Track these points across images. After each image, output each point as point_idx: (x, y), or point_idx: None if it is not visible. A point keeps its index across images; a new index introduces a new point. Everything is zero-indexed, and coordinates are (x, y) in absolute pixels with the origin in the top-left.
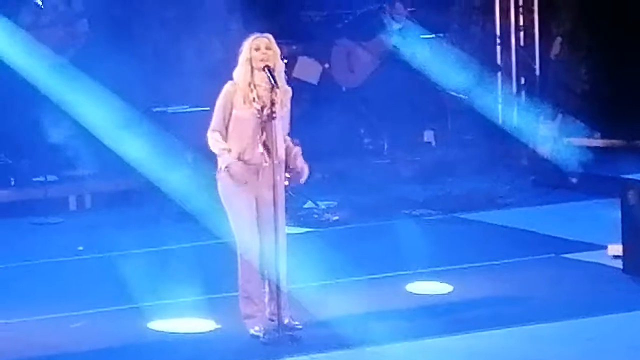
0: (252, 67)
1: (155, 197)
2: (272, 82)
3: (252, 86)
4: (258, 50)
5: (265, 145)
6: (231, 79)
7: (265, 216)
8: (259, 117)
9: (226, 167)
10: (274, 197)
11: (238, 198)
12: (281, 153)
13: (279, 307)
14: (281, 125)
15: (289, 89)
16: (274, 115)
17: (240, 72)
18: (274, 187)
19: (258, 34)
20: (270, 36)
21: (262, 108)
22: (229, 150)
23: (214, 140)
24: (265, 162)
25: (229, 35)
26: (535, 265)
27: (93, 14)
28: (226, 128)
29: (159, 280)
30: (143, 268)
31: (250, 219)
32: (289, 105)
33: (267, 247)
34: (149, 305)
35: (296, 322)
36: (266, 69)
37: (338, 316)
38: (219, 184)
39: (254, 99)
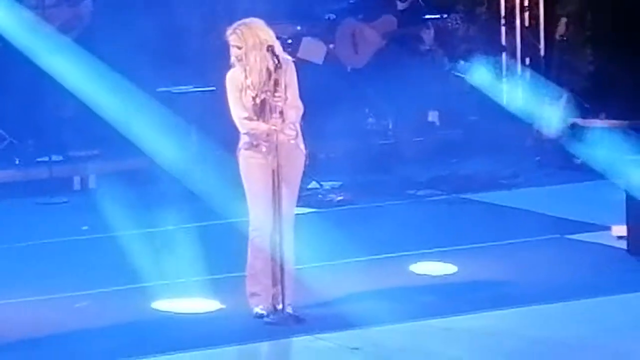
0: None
1: (160, 177)
2: (276, 61)
3: (247, 72)
4: (232, 48)
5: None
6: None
7: (282, 194)
8: (253, 104)
9: (252, 130)
10: (285, 175)
11: (256, 175)
12: (291, 130)
13: (283, 287)
14: (285, 97)
15: (288, 60)
16: (275, 96)
17: (234, 61)
18: (275, 166)
19: (233, 27)
20: (243, 28)
21: (256, 95)
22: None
23: (241, 122)
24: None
25: (234, 16)
26: (540, 245)
27: None
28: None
29: (163, 260)
30: (147, 248)
31: (264, 196)
32: (291, 75)
33: (280, 227)
34: (152, 285)
35: (289, 309)
36: (269, 49)
37: (342, 296)
38: (240, 160)
39: (248, 86)
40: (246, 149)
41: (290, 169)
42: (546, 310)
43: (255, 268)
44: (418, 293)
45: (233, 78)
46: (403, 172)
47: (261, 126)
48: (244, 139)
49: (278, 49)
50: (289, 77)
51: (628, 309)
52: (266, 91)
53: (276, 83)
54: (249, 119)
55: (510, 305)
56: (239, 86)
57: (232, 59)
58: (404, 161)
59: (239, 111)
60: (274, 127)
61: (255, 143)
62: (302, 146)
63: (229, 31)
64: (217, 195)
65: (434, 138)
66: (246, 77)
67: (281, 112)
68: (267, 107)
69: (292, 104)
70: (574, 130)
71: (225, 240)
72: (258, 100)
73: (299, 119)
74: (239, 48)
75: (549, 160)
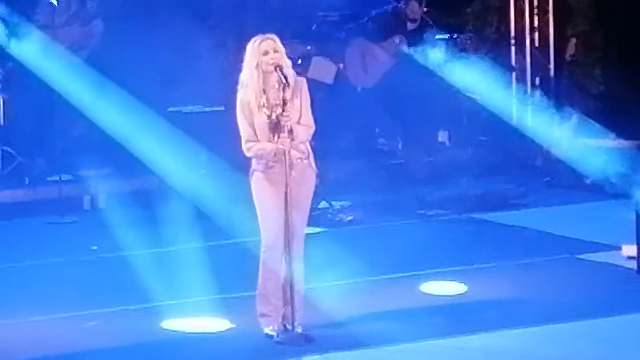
0: (261, 72)
1: (170, 196)
2: (284, 81)
3: (262, 91)
4: (267, 54)
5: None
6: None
7: (293, 215)
8: (269, 122)
9: (259, 151)
10: (296, 196)
11: (268, 196)
12: (301, 148)
13: (293, 307)
14: (297, 117)
15: (302, 79)
16: (284, 115)
17: (250, 77)
18: (287, 184)
19: (261, 36)
20: (274, 36)
21: (271, 113)
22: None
23: (249, 147)
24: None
25: (244, 35)
26: (550, 265)
27: (108, 14)
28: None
29: (172, 280)
30: (156, 267)
31: (277, 217)
32: (306, 94)
33: (291, 247)
34: (162, 305)
35: (299, 329)
36: (277, 69)
37: (352, 316)
38: (252, 183)
39: (263, 104)
40: (259, 171)
41: (302, 189)
42: (557, 330)
43: (267, 289)
44: (428, 313)
45: (243, 100)
46: (413, 192)
47: (267, 146)
48: (255, 163)
49: (287, 68)
50: (303, 95)
51: (638, 330)
52: (278, 105)
53: (284, 102)
54: (254, 141)
55: (521, 325)
56: (250, 105)
57: (247, 74)
58: (414, 181)
59: (245, 134)
60: (281, 147)
61: (270, 164)
62: (313, 165)
63: (259, 41)
64: (227, 214)
65: (443, 158)
66: (261, 95)
67: (290, 131)
68: (280, 125)
69: (304, 122)
70: (584, 151)
71: (235, 259)
72: (274, 116)
73: (309, 137)
74: (277, 51)
75: (558, 180)
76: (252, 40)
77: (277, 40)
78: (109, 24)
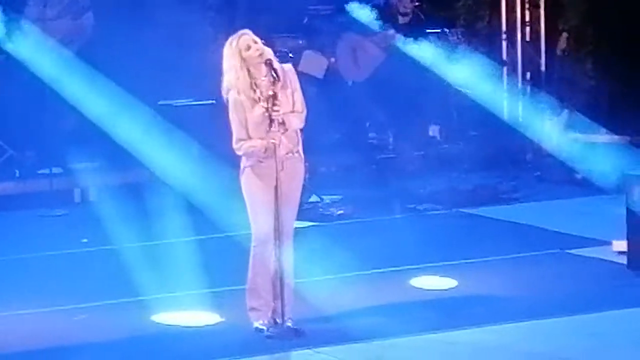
0: (247, 68)
1: (160, 189)
2: (274, 76)
3: (254, 86)
4: (250, 48)
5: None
6: None
7: (283, 210)
8: (267, 115)
9: (250, 148)
10: (285, 189)
11: (258, 191)
12: (293, 138)
13: (283, 302)
14: (290, 107)
15: (288, 65)
16: (274, 109)
17: (236, 79)
18: (277, 178)
19: (235, 35)
20: (247, 30)
21: (267, 105)
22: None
23: (239, 147)
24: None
25: (234, 28)
26: (540, 260)
27: (99, 7)
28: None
29: (163, 273)
30: (147, 261)
31: (267, 212)
32: (295, 80)
33: (281, 241)
34: (153, 298)
35: (289, 323)
36: (267, 63)
37: (342, 310)
38: (242, 179)
39: (258, 98)
40: (249, 166)
41: (292, 184)
42: (546, 325)
43: (256, 283)
44: (418, 307)
45: (235, 100)
46: (403, 186)
47: (258, 143)
48: (245, 159)
49: (274, 60)
50: (293, 82)
51: (627, 325)
52: (271, 97)
53: (275, 96)
54: (245, 139)
55: (510, 320)
56: (243, 105)
57: (232, 77)
58: (404, 175)
59: (237, 134)
60: (272, 141)
61: (260, 160)
62: (302, 155)
63: (236, 39)
64: (217, 208)
65: (434, 152)
66: (254, 90)
67: (281, 123)
68: (277, 120)
69: (296, 109)
70: (574, 145)
71: (225, 253)
72: (270, 108)
73: (303, 123)
74: (256, 42)
75: (549, 175)
76: (228, 42)
77: (251, 32)
78: (100, 17)
